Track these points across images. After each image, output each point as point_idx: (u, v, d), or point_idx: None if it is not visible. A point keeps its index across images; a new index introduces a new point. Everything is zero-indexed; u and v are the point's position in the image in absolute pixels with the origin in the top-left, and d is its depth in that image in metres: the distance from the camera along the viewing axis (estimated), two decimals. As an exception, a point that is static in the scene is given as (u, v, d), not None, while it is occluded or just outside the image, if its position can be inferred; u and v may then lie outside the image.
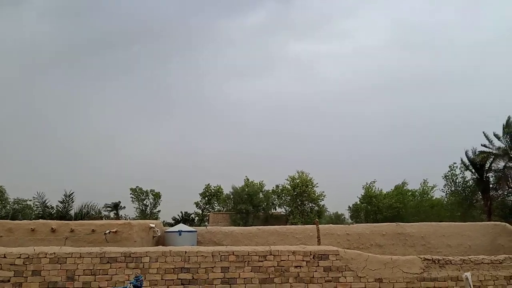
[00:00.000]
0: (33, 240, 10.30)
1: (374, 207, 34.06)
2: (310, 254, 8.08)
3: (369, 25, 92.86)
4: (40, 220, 12.13)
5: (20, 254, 7.57)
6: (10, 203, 36.53)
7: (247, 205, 35.69)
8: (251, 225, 20.59)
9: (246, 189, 37.05)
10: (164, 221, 36.60)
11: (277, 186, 39.22)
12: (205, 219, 42.83)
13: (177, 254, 7.83)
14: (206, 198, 45.34)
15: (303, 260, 8.03)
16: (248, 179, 38.86)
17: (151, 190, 45.55)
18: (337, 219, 48.75)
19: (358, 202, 36.98)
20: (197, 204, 46.03)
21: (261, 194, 37.77)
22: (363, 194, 36.53)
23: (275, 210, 39.11)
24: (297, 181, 36.51)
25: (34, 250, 7.68)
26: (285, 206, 38.36)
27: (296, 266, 7.99)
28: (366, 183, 36.98)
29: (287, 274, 7.93)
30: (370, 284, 7.98)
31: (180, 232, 11.82)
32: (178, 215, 46.81)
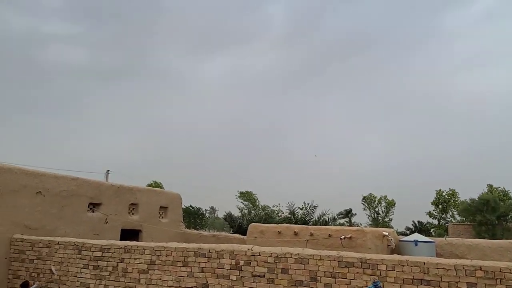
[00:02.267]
0: (279, 241, 11.74)
1: None
2: None
3: None
4: (284, 224, 13.75)
5: (271, 253, 8.68)
6: (260, 208, 42.58)
7: (490, 215, 30.88)
8: (500, 238, 17.80)
9: (488, 197, 32.19)
10: (396, 229, 35.48)
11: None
12: (442, 230, 39.31)
13: (414, 264, 7.51)
14: (440, 206, 41.54)
15: None
16: (491, 186, 33.82)
17: (384, 197, 44.94)
18: None
19: None
20: (430, 214, 42.72)
21: (506, 204, 32.22)
22: None
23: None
24: None
25: (282, 250, 8.70)
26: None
27: None
28: None
29: (558, 299, 6.54)
30: None
31: (416, 242, 11.32)
32: (412, 225, 44.50)
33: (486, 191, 33.72)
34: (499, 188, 33.94)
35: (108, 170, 30.57)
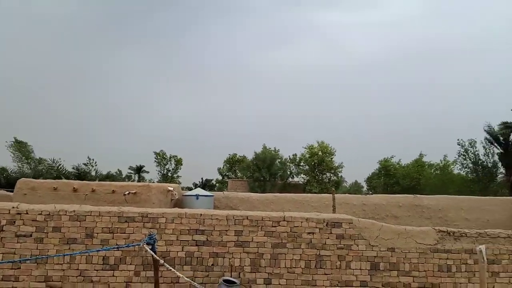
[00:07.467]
0: (55, 198, 10.66)
1: (392, 179, 33.96)
2: (324, 222, 8.11)
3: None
4: (63, 180, 12.55)
5: (42, 211, 7.83)
6: (35, 162, 37.26)
7: (265, 173, 35.97)
8: (269, 193, 20.76)
9: (264, 156, 37.24)
10: (184, 186, 37.41)
11: (295, 155, 39.31)
12: (225, 185, 43.52)
13: (192, 216, 7.98)
14: (229, 165, 46.12)
15: (316, 227, 8.08)
16: (266, 147, 39.04)
17: (173, 156, 46.34)
18: (355, 190, 48.80)
19: (376, 173, 37.00)
20: (220, 171, 46.90)
21: (278, 163, 37.96)
22: (379, 167, 36.61)
23: (293, 178, 39.33)
24: (315, 149, 36.48)
25: (55, 207, 7.94)
26: (302, 175, 38.52)
27: (309, 233, 8.05)
28: (384, 158, 36.90)
29: (300, 240, 8.01)
30: (382, 253, 8.00)
31: (197, 196, 12.00)
32: (199, 181, 47.74)
33: (262, 151, 38.65)
34: (271, 149, 39.39)
35: None
